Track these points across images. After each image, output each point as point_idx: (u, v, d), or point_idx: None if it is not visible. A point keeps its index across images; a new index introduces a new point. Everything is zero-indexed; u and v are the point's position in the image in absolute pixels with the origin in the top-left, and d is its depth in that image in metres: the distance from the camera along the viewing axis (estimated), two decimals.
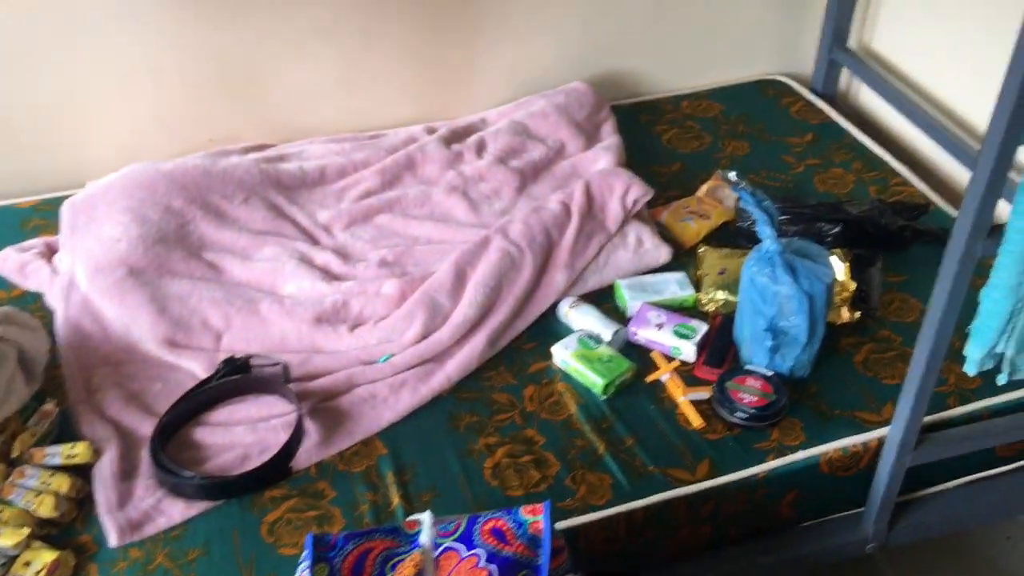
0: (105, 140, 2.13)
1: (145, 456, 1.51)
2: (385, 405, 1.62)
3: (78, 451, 1.49)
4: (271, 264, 1.83)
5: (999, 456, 1.72)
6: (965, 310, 1.34)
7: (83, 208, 1.88)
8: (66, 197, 1.98)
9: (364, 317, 1.75)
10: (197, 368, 1.65)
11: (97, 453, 1.51)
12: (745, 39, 2.52)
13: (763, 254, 1.59)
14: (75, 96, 2.06)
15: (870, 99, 2.47)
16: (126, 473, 1.49)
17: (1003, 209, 1.28)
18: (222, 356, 1.66)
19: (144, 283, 1.74)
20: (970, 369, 1.37)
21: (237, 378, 1.62)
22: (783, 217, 1.89)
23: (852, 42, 2.45)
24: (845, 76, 2.52)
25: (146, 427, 1.55)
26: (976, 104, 2.15)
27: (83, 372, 1.65)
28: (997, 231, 1.27)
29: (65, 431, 1.56)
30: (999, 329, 1.33)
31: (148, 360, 1.68)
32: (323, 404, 1.61)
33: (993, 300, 1.31)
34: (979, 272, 1.30)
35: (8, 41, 1.96)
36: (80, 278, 1.77)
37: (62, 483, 1.43)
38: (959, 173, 2.19)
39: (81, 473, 1.48)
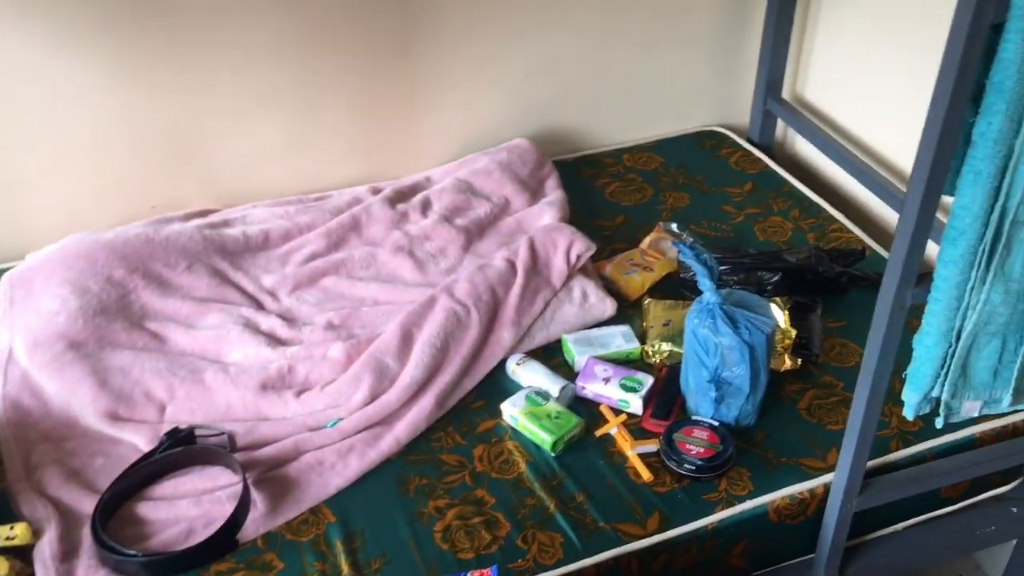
0: (45, 210, 2.11)
1: (86, 535, 1.48)
2: (333, 471, 1.60)
3: (17, 533, 1.45)
4: (215, 332, 1.82)
5: (942, 497, 1.74)
6: (903, 352, 1.36)
7: (21, 282, 1.86)
8: (5, 270, 1.95)
9: (310, 382, 1.74)
10: (140, 441, 1.63)
11: (37, 534, 1.47)
12: (683, 92, 2.58)
13: (704, 306, 1.62)
14: (13, 166, 2.04)
15: (805, 148, 2.53)
16: (67, 553, 1.46)
17: (934, 250, 1.31)
18: (166, 428, 1.64)
19: (84, 356, 1.72)
20: (908, 414, 1.39)
21: (181, 450, 1.60)
22: (724, 267, 1.92)
23: (785, 93, 2.52)
24: (781, 126, 2.58)
25: (87, 504, 1.51)
26: (905, 150, 2.22)
27: (22, 450, 1.61)
28: (927, 278, 1.30)
29: (3, 512, 1.52)
30: (933, 374, 1.35)
31: (89, 435, 1.65)
32: (270, 473, 1.59)
33: (925, 347, 1.33)
34: (915, 314, 1.32)
35: None
36: (19, 353, 1.74)
37: (1, 567, 1.40)
38: (893, 217, 2.24)
39: (21, 555, 1.44)
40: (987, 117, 1.19)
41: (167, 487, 1.57)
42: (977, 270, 1.26)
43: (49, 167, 2.07)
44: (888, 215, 2.27)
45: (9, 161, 2.03)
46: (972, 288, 1.27)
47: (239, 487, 1.52)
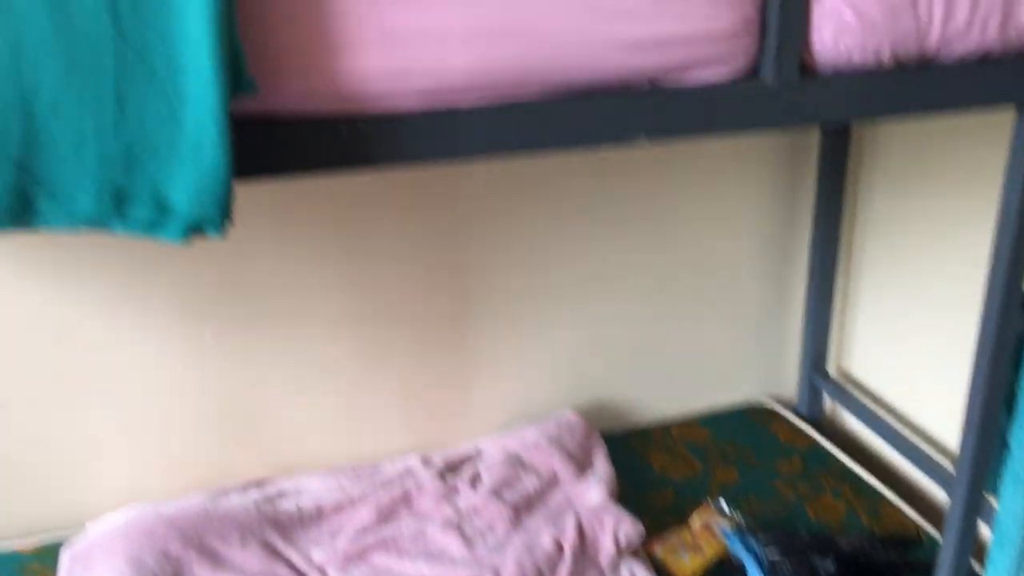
0: (107, 479, 2.18)
1: None
2: None
3: None
4: None
5: None
6: None
7: (80, 556, 1.90)
8: (67, 538, 2.00)
9: None
10: None
11: None
12: (729, 366, 2.64)
13: None
14: (77, 436, 2.13)
15: (854, 423, 2.54)
16: None
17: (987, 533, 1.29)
18: None
19: None
20: None
21: None
22: (775, 551, 1.90)
23: (831, 367, 2.56)
24: (829, 400, 2.61)
25: None
26: (953, 427, 2.22)
27: None
28: None
29: None
30: None
31: None
32: None
33: None
34: None
35: (9, 381, 2.04)
36: None
37: None
38: (946, 499, 2.21)
39: None
40: (1021, 422, 1.21)
41: None
42: None
43: (113, 437, 2.16)
44: (941, 496, 2.24)
45: (74, 431, 2.12)
46: None
47: None
